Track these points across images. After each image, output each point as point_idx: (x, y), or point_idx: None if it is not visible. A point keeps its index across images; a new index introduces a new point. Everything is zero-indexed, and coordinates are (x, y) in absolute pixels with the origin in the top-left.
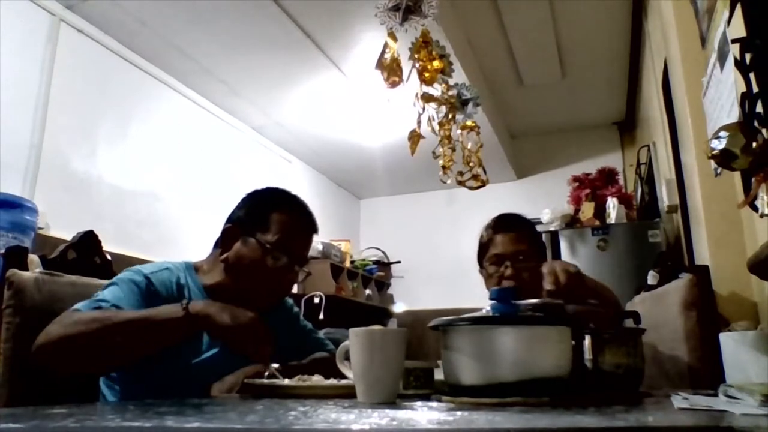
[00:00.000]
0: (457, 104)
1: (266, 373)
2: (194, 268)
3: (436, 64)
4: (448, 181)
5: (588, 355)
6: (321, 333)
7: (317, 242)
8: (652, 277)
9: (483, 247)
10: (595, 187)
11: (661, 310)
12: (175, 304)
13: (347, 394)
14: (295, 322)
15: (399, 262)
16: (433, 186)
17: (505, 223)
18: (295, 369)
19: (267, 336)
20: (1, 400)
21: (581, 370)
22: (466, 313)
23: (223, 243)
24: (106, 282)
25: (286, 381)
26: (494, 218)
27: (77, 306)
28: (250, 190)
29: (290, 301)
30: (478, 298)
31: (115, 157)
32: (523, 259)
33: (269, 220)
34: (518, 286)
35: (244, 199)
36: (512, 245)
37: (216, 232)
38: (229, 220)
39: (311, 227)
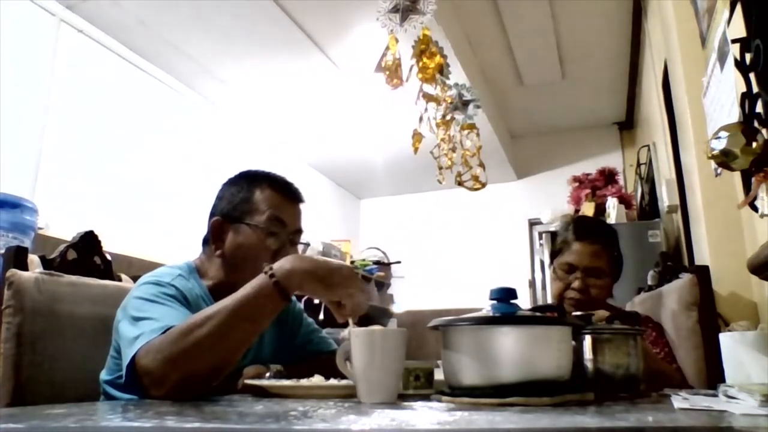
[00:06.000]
0: (458, 104)
1: (267, 374)
2: (197, 271)
3: (437, 60)
4: (444, 182)
5: (588, 355)
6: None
7: (317, 242)
8: (652, 277)
9: (558, 248)
10: (595, 187)
11: (661, 310)
12: (255, 279)
13: (347, 394)
14: (300, 320)
15: (399, 262)
16: (433, 186)
17: (587, 232)
18: (296, 370)
19: (360, 282)
20: (2, 400)
21: (581, 370)
22: (466, 313)
23: (213, 238)
24: (106, 282)
25: (286, 381)
26: (576, 219)
27: (138, 335)
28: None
29: (293, 298)
30: (478, 298)
31: (115, 157)
32: (595, 275)
33: (254, 201)
34: (581, 300)
35: (221, 190)
36: (588, 258)
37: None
38: (213, 213)
39: (297, 196)
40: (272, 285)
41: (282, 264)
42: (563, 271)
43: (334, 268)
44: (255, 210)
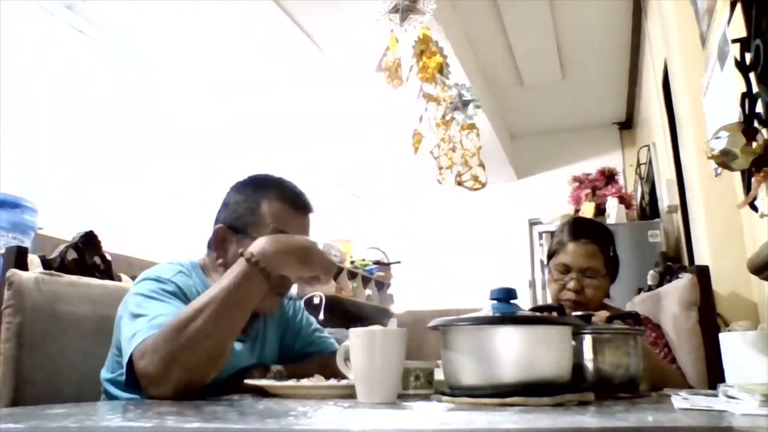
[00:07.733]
0: (458, 104)
1: (267, 374)
2: (201, 269)
3: (437, 60)
4: (443, 182)
5: (588, 355)
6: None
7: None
8: (652, 277)
9: (554, 250)
10: (595, 187)
11: (661, 310)
12: (237, 265)
13: (347, 394)
14: (302, 319)
15: (399, 262)
16: (434, 186)
17: (582, 232)
18: (297, 370)
19: (324, 254)
20: (2, 400)
21: (581, 370)
22: (466, 313)
23: (216, 247)
24: (106, 282)
25: (287, 381)
26: (572, 220)
27: (134, 333)
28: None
29: (294, 297)
30: (478, 298)
31: (115, 158)
32: (590, 276)
33: (260, 213)
34: (577, 301)
35: (227, 195)
36: (583, 259)
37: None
38: (217, 219)
39: (306, 207)
40: (258, 272)
41: (261, 248)
42: (559, 272)
43: (307, 246)
44: (260, 223)
